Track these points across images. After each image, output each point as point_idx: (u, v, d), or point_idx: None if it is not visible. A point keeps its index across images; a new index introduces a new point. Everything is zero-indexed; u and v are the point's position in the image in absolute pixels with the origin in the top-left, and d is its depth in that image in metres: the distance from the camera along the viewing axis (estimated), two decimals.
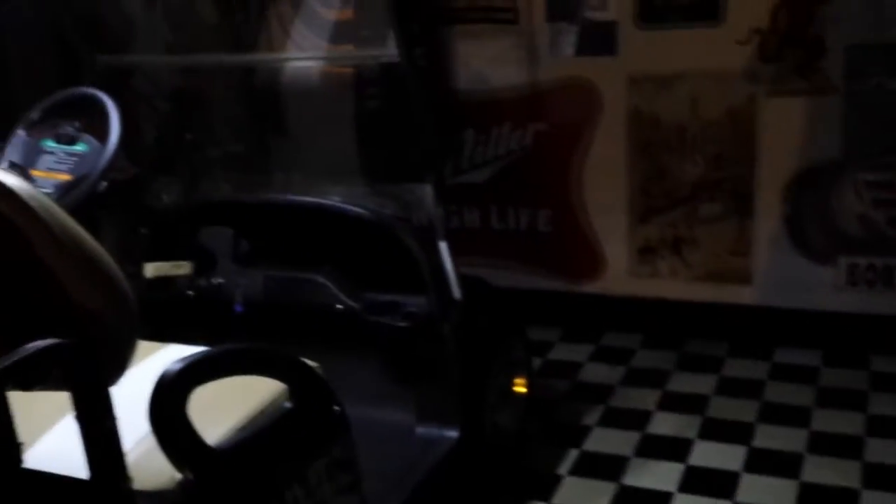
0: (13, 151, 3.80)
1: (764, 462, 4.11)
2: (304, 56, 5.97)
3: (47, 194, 3.58)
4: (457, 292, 3.84)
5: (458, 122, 5.86)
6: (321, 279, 3.99)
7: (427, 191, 3.88)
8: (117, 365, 2.10)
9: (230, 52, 5.79)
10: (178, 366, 2.22)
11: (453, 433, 3.66)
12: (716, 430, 4.41)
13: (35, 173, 3.74)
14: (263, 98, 6.04)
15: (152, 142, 5.74)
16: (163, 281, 4.10)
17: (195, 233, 4.28)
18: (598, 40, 5.24)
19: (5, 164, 3.80)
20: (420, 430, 3.71)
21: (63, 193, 3.62)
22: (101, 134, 3.69)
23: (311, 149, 5.77)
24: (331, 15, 6.04)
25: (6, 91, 5.71)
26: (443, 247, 3.84)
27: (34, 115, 3.80)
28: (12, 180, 2.06)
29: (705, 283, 5.35)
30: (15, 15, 5.84)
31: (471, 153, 5.83)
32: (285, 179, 5.12)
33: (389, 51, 3.58)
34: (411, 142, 3.90)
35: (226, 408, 2.52)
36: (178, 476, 2.28)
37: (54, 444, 2.38)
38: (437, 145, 4.14)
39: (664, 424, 4.48)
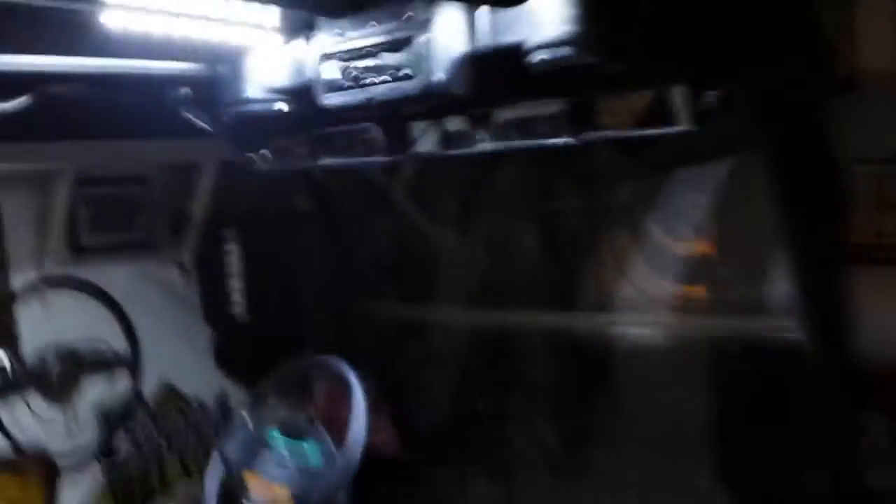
0: (232, 440, 2.82)
1: None
2: (646, 321, 4.56)
3: None
4: None
5: (857, 404, 4.08)
6: None
7: None
8: None
9: (552, 300, 4.66)
10: None
11: None
12: None
13: (250, 478, 2.66)
14: (587, 362, 4.70)
15: (432, 410, 4.65)
16: None
17: None
18: None
19: (219, 458, 2.76)
20: None
21: None
22: (340, 425, 2.59)
23: (645, 438, 4.26)
24: (681, 248, 4.72)
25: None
26: None
27: (265, 390, 2.82)
28: None
29: None
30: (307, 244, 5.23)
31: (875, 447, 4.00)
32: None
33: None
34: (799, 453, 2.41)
35: None
36: None
37: None
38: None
39: None
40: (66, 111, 3.52)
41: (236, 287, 5.20)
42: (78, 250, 4.68)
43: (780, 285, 3.98)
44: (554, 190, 5.07)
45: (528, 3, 2.27)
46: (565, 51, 2.26)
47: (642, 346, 4.70)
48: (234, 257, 5.14)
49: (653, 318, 4.70)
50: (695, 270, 4.63)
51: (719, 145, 3.99)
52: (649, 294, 4.80)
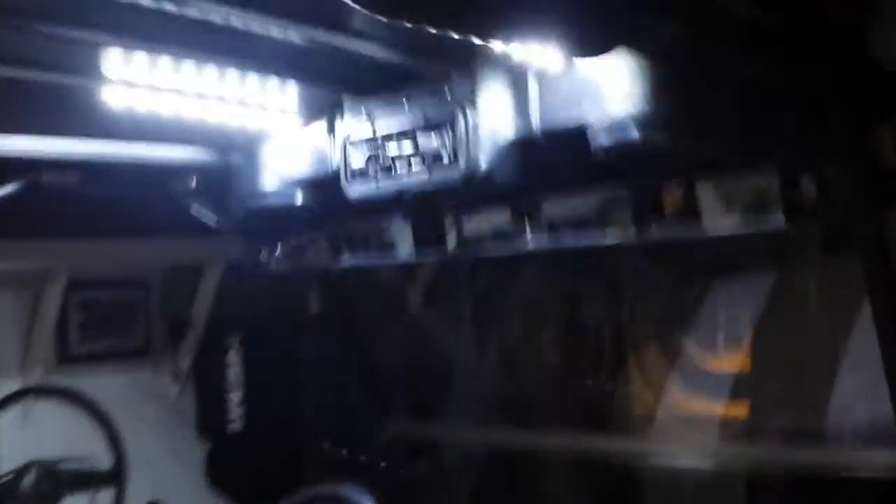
0: None
1: None
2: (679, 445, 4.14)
3: None
4: None
5: None
6: None
7: None
8: None
9: (576, 419, 4.29)
10: None
11: None
12: None
13: None
14: (614, 488, 4.29)
15: None
16: None
17: None
18: None
19: None
20: None
21: None
22: None
23: None
24: (717, 364, 4.35)
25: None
26: None
27: None
28: None
29: None
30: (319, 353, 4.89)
31: None
32: None
33: None
34: None
35: None
36: None
37: None
38: None
39: None
40: (60, 204, 3.20)
41: (236, 399, 4.84)
42: (67, 358, 4.40)
43: (843, 410, 3.61)
44: (580, 297, 4.74)
45: (589, 79, 1.97)
46: (635, 132, 1.95)
47: (676, 473, 4.28)
48: (235, 366, 4.79)
49: (687, 443, 4.30)
50: (733, 390, 4.25)
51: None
52: (682, 414, 4.41)
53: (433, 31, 1.67)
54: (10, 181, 2.79)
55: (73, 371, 4.39)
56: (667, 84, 1.89)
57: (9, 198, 2.81)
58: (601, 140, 2.05)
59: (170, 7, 1.77)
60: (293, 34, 1.99)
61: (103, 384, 4.45)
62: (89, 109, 2.37)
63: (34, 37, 1.94)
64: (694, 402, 4.39)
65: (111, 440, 4.43)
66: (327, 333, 4.71)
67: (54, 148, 2.63)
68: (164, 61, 2.33)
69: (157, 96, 2.41)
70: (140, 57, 2.25)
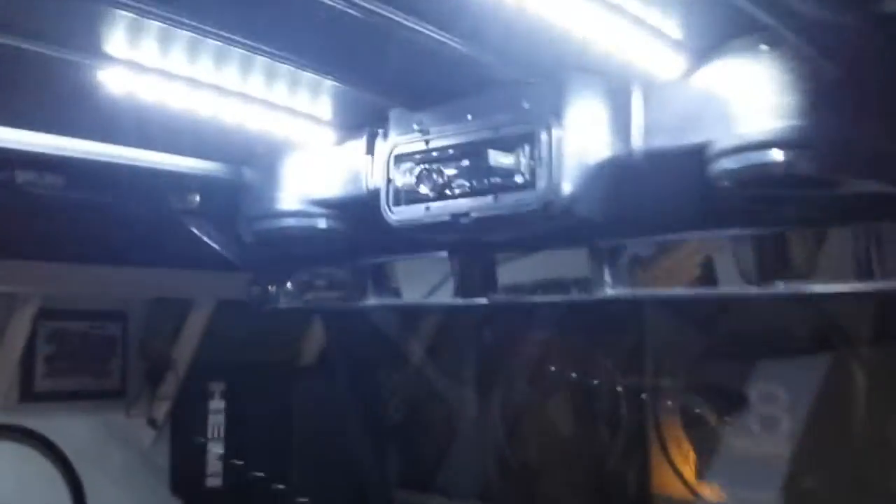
0: None
1: None
2: None
3: None
4: None
5: None
6: None
7: None
8: None
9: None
10: None
11: None
12: None
13: None
14: None
15: None
16: None
17: None
18: None
19: None
20: None
21: None
22: None
23: None
24: (749, 447, 3.92)
25: None
26: None
27: None
28: None
29: None
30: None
31: None
32: None
33: None
34: None
35: None
36: None
37: None
38: None
39: None
40: (34, 217, 2.73)
41: (215, 452, 4.40)
42: (30, 395, 4.04)
43: None
44: (599, 364, 4.32)
45: (713, 89, 1.56)
46: (777, 156, 1.52)
47: None
48: (217, 416, 4.35)
49: None
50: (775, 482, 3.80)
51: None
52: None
53: None
54: None
55: (37, 410, 4.04)
56: (836, 92, 1.46)
57: None
58: (725, 164, 1.62)
59: None
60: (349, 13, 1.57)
61: (69, 426, 4.12)
62: (80, 96, 1.93)
63: None
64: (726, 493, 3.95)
65: (73, 490, 4.09)
66: (327, 384, 4.29)
67: (32, 142, 2.15)
68: (180, 45, 1.90)
69: (166, 84, 1.97)
70: (150, 33, 1.83)
